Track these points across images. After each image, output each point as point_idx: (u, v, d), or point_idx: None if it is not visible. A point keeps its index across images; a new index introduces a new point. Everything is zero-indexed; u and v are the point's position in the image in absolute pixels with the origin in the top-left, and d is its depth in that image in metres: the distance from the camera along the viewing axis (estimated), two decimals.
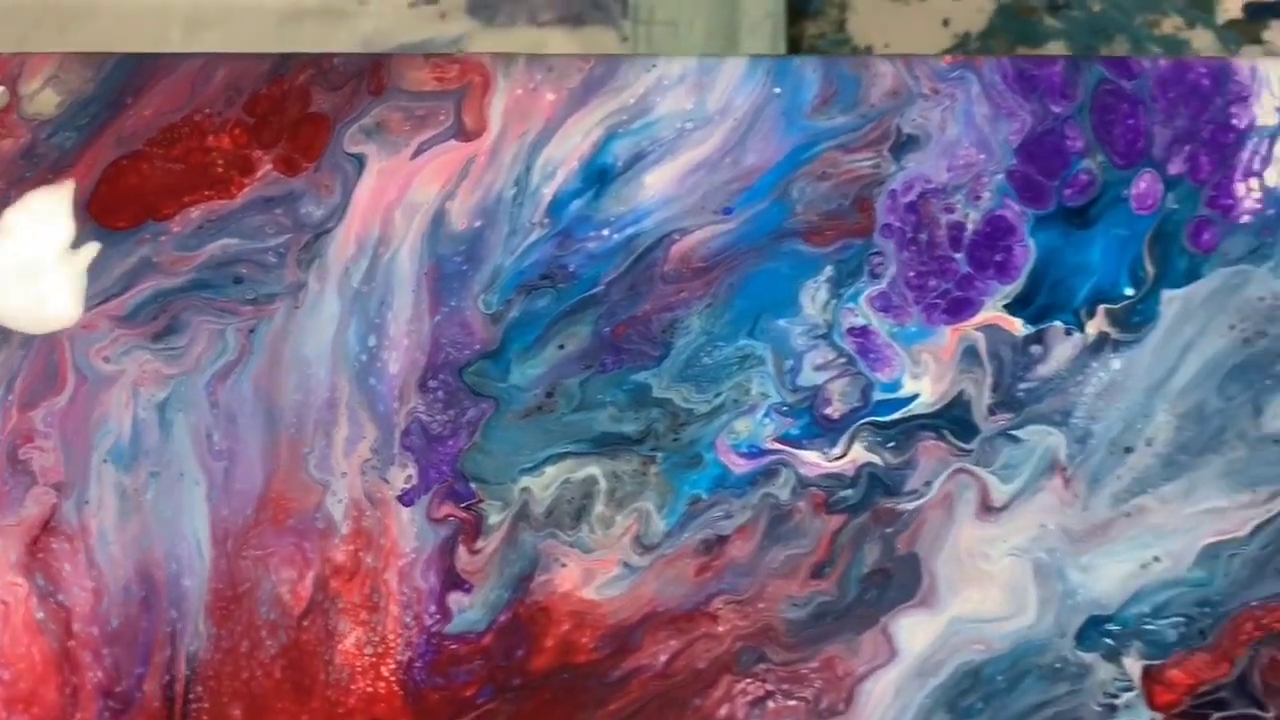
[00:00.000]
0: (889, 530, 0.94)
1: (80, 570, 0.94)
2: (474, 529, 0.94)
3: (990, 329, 0.94)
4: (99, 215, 0.94)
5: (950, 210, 0.94)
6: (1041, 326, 0.94)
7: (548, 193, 0.95)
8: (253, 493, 0.94)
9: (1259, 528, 0.94)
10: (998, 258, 0.94)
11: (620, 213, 0.95)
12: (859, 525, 0.94)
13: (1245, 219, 0.94)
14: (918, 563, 0.94)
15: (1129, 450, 0.94)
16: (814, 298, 0.94)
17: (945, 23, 1.21)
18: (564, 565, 0.95)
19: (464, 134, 0.95)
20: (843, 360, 0.94)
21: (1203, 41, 1.19)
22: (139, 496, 0.94)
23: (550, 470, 0.94)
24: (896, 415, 0.94)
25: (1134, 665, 0.94)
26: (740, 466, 0.94)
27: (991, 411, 0.94)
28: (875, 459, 0.94)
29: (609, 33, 1.19)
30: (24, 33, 1.17)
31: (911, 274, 0.94)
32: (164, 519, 0.94)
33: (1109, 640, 0.94)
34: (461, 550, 0.94)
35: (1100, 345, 0.94)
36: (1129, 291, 0.94)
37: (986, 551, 0.94)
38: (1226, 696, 0.94)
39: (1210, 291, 0.94)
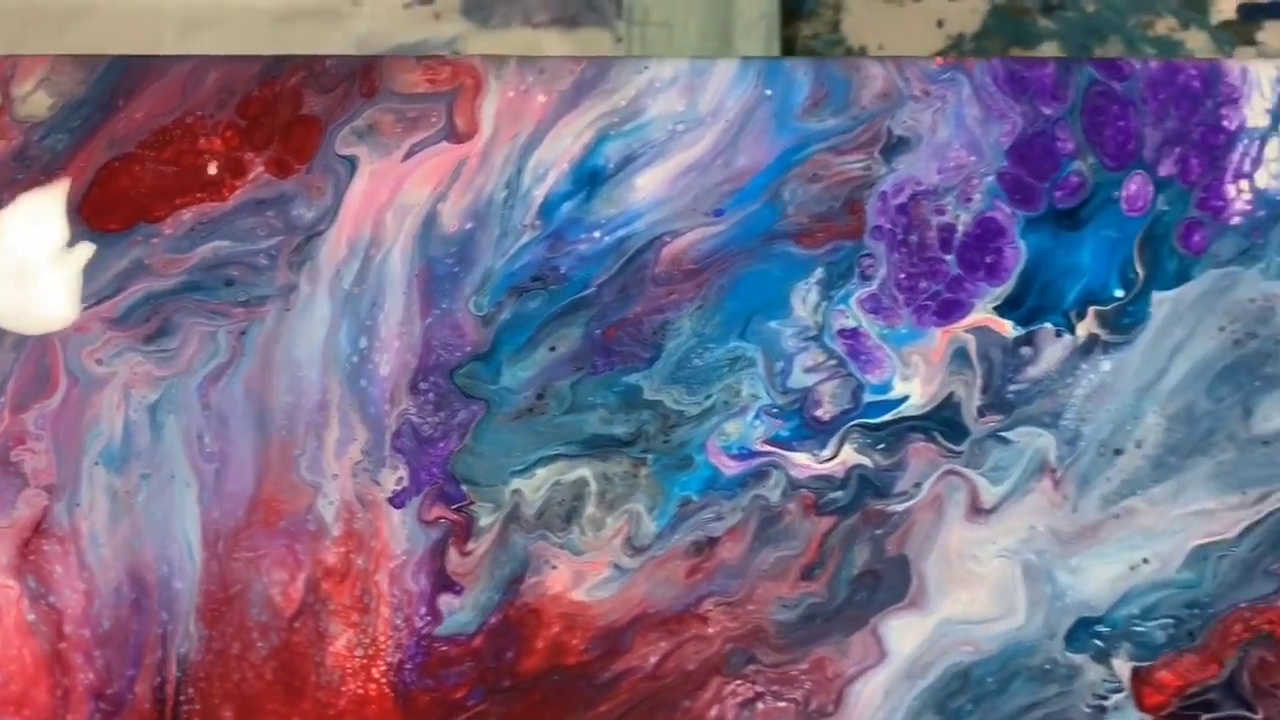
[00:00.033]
0: (879, 532, 0.95)
1: (71, 572, 0.95)
2: (465, 531, 0.94)
3: (980, 331, 0.94)
4: (91, 217, 0.95)
5: (941, 212, 0.95)
6: (1031, 328, 0.94)
7: (539, 195, 0.95)
8: (244, 495, 0.94)
9: (1248, 529, 0.94)
10: (988, 259, 0.94)
11: (611, 215, 0.95)
12: (849, 527, 0.95)
13: (1235, 221, 0.94)
14: (907, 564, 0.94)
15: (1118, 452, 0.94)
16: (805, 299, 0.94)
17: (939, 24, 1.21)
18: (554, 567, 0.95)
19: (455, 136, 0.95)
20: (833, 362, 0.94)
21: (1197, 42, 1.19)
22: (130, 498, 0.94)
23: (541, 472, 0.95)
24: (886, 417, 0.95)
25: (1123, 667, 0.94)
26: (731, 468, 0.95)
27: (981, 413, 0.94)
28: (865, 461, 0.94)
29: (604, 34, 1.19)
30: (18, 34, 1.18)
31: (902, 276, 0.94)
32: (155, 521, 0.94)
33: (1098, 642, 0.94)
34: (452, 552, 0.94)
35: (1090, 347, 0.94)
36: (1119, 293, 0.94)
37: (976, 553, 0.94)
38: (1215, 698, 0.94)
39: (1200, 293, 0.94)
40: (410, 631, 0.95)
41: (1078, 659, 0.94)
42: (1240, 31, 1.20)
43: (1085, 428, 0.94)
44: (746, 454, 0.95)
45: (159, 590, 0.95)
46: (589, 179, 0.95)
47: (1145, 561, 0.94)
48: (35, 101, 0.95)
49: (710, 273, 0.94)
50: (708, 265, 0.94)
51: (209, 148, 0.95)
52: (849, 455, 0.94)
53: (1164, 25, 1.20)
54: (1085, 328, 0.94)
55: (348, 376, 0.94)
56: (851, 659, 0.95)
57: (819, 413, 0.95)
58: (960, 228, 0.94)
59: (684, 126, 0.95)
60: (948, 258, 0.94)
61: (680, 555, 0.95)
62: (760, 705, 0.95)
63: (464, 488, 0.94)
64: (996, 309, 0.94)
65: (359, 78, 0.95)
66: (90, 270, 0.95)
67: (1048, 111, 0.95)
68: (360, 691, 0.95)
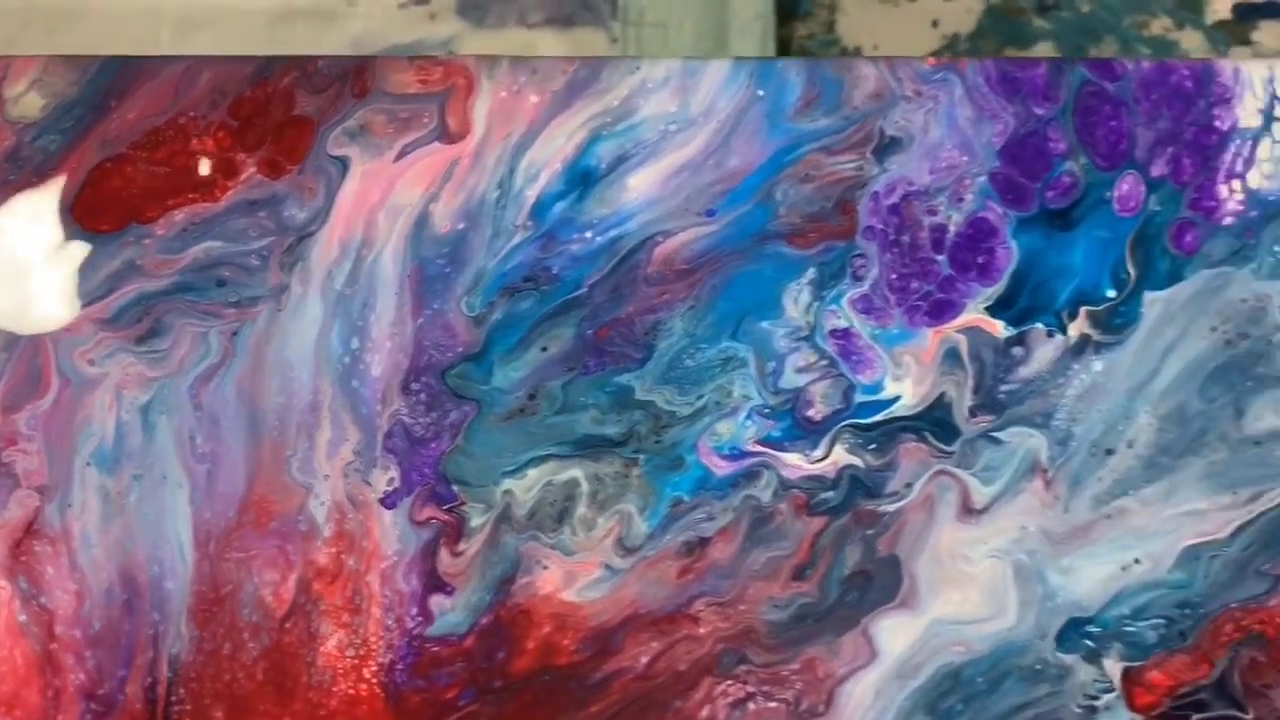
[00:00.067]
0: (870, 532, 0.94)
1: (63, 573, 0.95)
2: (456, 531, 0.94)
3: (972, 331, 0.94)
4: (83, 218, 0.95)
5: (933, 212, 0.94)
6: (1023, 328, 0.94)
7: (531, 195, 0.95)
8: (235, 495, 0.94)
9: (1239, 529, 0.94)
10: (980, 260, 0.94)
11: (603, 215, 0.95)
12: (840, 527, 0.94)
13: (1227, 221, 0.94)
14: (898, 564, 0.94)
15: (1110, 452, 0.94)
16: (796, 300, 0.94)
17: (934, 24, 1.21)
18: (545, 567, 0.95)
19: (448, 136, 0.95)
20: (824, 362, 0.94)
21: (1192, 42, 1.19)
22: (122, 499, 0.94)
23: (532, 473, 0.95)
24: (878, 417, 0.94)
25: (1114, 667, 0.94)
26: (722, 469, 0.95)
27: (973, 413, 0.94)
28: (856, 461, 0.94)
29: (599, 34, 1.19)
30: (13, 35, 1.18)
31: (893, 276, 0.94)
32: (147, 521, 0.94)
33: (1089, 642, 0.94)
34: (443, 553, 0.94)
35: (1082, 347, 0.94)
36: (1111, 293, 0.94)
37: (967, 553, 0.94)
38: (1206, 698, 0.94)
39: (1192, 293, 0.94)
40: (401, 632, 0.95)
41: (1069, 659, 0.94)
42: (1235, 31, 1.19)
43: (1077, 428, 0.94)
44: (738, 454, 0.95)
45: (150, 591, 0.95)
46: (581, 179, 0.95)
47: (1136, 562, 0.94)
48: (28, 102, 0.95)
49: (702, 273, 0.94)
50: (700, 265, 0.94)
51: (201, 148, 0.95)
52: (840, 455, 0.94)
53: (1159, 25, 1.19)
54: (1077, 328, 0.94)
55: (339, 377, 0.94)
56: (842, 659, 0.95)
57: (810, 413, 0.95)
58: (952, 228, 0.94)
59: (676, 127, 0.95)
60: (939, 258, 0.94)
61: (672, 555, 0.95)
62: (751, 705, 0.95)
63: (455, 488, 0.94)
64: (988, 309, 0.94)
65: (351, 78, 0.95)
66: (82, 271, 0.95)
67: (1040, 112, 0.95)
68: (351, 692, 0.95)
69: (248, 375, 0.94)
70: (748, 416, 0.94)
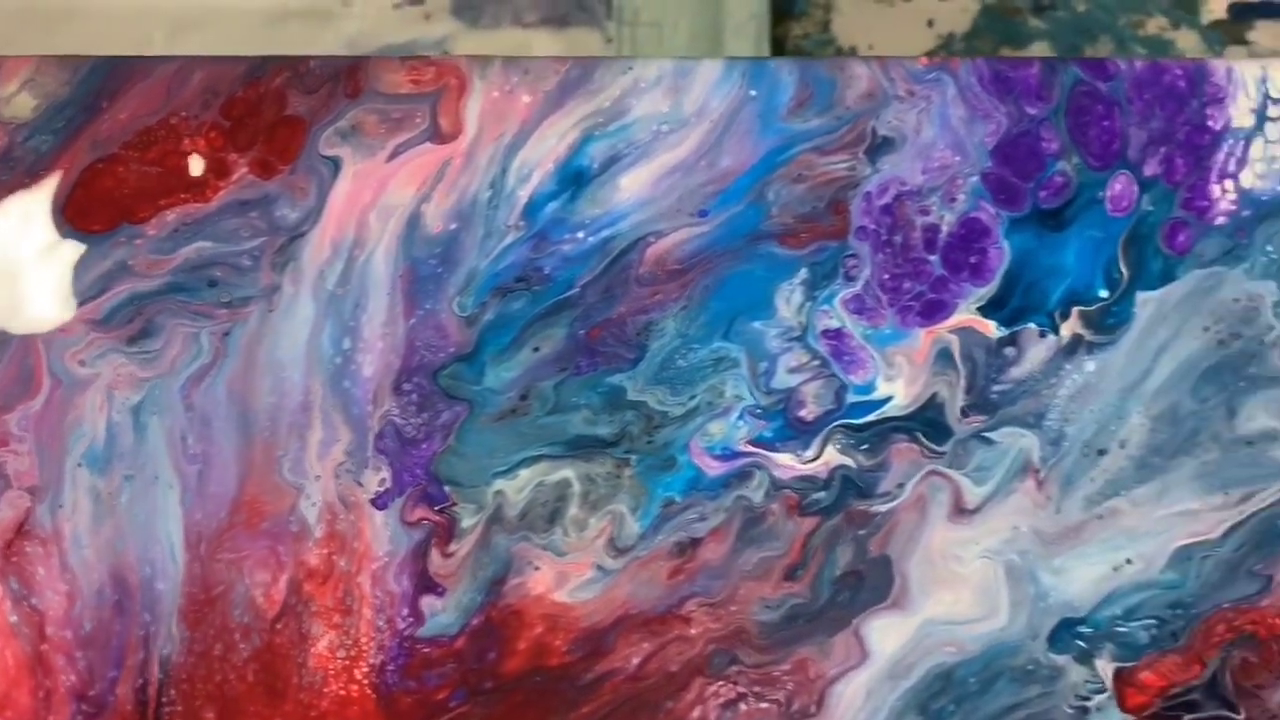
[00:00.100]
0: (861, 532, 0.94)
1: (54, 574, 0.95)
2: (447, 532, 0.94)
3: (964, 331, 0.94)
4: (75, 219, 0.95)
5: (925, 212, 0.94)
6: (1015, 329, 0.94)
7: (523, 195, 0.95)
8: (226, 496, 0.94)
9: (1231, 530, 0.94)
10: (972, 260, 0.94)
11: (596, 215, 0.95)
12: (832, 527, 0.94)
13: (1220, 221, 0.94)
14: (890, 565, 0.94)
15: (1102, 452, 0.94)
16: (789, 300, 0.94)
17: (930, 23, 1.21)
18: (537, 568, 0.95)
19: (440, 136, 0.95)
20: (816, 363, 0.94)
21: (1187, 42, 1.19)
22: (113, 500, 0.94)
23: (524, 473, 0.94)
24: (870, 418, 0.94)
25: (1106, 667, 0.94)
26: (714, 469, 0.94)
27: (964, 414, 0.94)
28: (848, 461, 0.94)
29: (594, 34, 1.19)
30: (7, 35, 1.18)
31: (886, 276, 0.94)
32: (138, 522, 0.94)
33: (1081, 642, 0.94)
34: (434, 553, 0.94)
35: (1074, 347, 0.94)
36: (1103, 293, 0.94)
37: (959, 554, 0.94)
38: (1198, 698, 0.94)
39: (1185, 293, 0.94)
40: (392, 633, 0.95)
41: (1060, 660, 0.94)
42: (1231, 31, 1.19)
43: (1069, 428, 0.94)
44: (730, 455, 0.94)
45: (141, 592, 0.95)
46: (573, 179, 0.94)
47: (1128, 562, 0.94)
48: (19, 103, 0.95)
49: (694, 273, 0.94)
50: (692, 266, 0.94)
51: (193, 148, 0.95)
52: (832, 456, 0.94)
53: (1154, 25, 1.19)
54: (1069, 328, 0.94)
55: (331, 377, 0.94)
56: (834, 660, 0.95)
57: (802, 413, 0.94)
58: (944, 228, 0.94)
59: (668, 127, 0.95)
60: (932, 258, 0.94)
61: (663, 556, 0.95)
62: (742, 706, 0.95)
63: (447, 489, 0.94)
64: (980, 309, 0.94)
65: (343, 78, 0.95)
66: (74, 271, 0.94)
67: (1032, 111, 0.95)
68: (342, 693, 0.95)
69: (239, 376, 0.94)
70: (740, 417, 0.94)
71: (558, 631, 0.95)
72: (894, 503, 0.94)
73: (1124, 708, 0.94)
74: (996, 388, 0.94)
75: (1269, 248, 0.94)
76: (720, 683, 0.95)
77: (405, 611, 0.94)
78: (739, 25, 1.18)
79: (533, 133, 0.95)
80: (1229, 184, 0.94)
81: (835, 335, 0.94)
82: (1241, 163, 0.94)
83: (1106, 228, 0.94)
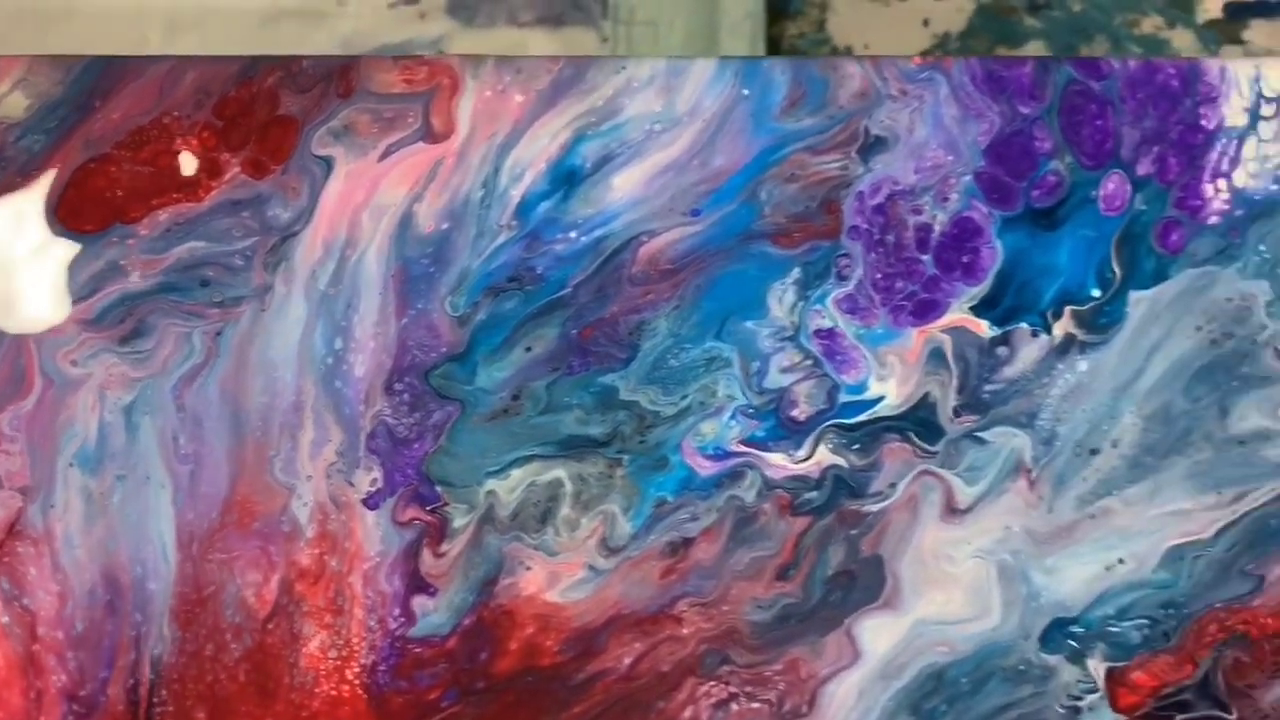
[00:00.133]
0: (854, 532, 0.94)
1: (45, 574, 0.95)
2: (439, 532, 0.94)
3: (956, 331, 0.94)
4: (67, 219, 0.94)
5: (918, 212, 0.94)
6: (1008, 328, 0.94)
7: (515, 195, 0.95)
8: (218, 496, 0.94)
9: (1223, 529, 0.94)
10: (965, 259, 0.94)
11: (588, 215, 0.94)
12: (824, 527, 0.94)
13: (1213, 220, 0.94)
14: (882, 565, 0.94)
15: (1094, 452, 0.94)
16: (781, 300, 0.94)
17: (925, 23, 1.21)
18: (529, 568, 0.95)
19: (432, 136, 0.95)
20: (809, 362, 0.94)
21: (1183, 41, 1.19)
22: (105, 500, 0.94)
23: (516, 473, 0.94)
24: (862, 417, 0.94)
25: (1098, 667, 0.94)
26: (706, 469, 0.94)
27: (957, 413, 0.94)
28: (840, 461, 0.94)
29: (589, 33, 1.19)
30: (4, 34, 1.18)
31: (878, 276, 0.94)
32: (129, 522, 0.94)
33: (1073, 642, 0.94)
34: (426, 553, 0.94)
35: (1066, 347, 0.94)
36: (1096, 293, 0.94)
37: (951, 553, 0.94)
38: (1190, 698, 0.94)
39: (1177, 293, 0.94)
40: (384, 633, 0.94)
41: (1052, 660, 0.94)
42: (1226, 30, 1.19)
43: (1061, 428, 0.94)
44: (722, 454, 0.94)
45: (133, 592, 0.95)
46: (566, 179, 0.94)
47: (1120, 562, 0.94)
48: (11, 102, 0.95)
49: (687, 273, 0.94)
50: (684, 265, 0.94)
51: (185, 148, 0.95)
52: (824, 455, 0.94)
53: (1150, 24, 1.19)
54: (1062, 327, 0.94)
55: (322, 377, 0.94)
56: (826, 660, 0.94)
57: (795, 413, 0.94)
58: (937, 227, 0.94)
59: (661, 126, 0.95)
60: (924, 258, 0.94)
61: (655, 556, 0.95)
62: (734, 706, 0.95)
63: (438, 489, 0.94)
64: (973, 309, 0.94)
65: (336, 78, 0.95)
66: (66, 271, 0.94)
67: (1025, 111, 0.94)
68: (334, 693, 0.95)
69: (231, 376, 0.94)
70: (732, 417, 0.94)
71: (549, 631, 0.95)
72: (886, 502, 0.94)
73: (1116, 708, 0.94)
74: (989, 387, 0.94)
75: (1262, 247, 0.94)
76: (712, 683, 0.95)
77: (397, 611, 0.94)
78: (734, 24, 1.18)
79: (525, 132, 0.95)
80: (1222, 183, 0.94)
81: (827, 335, 0.94)
82: (1235, 162, 0.94)
83: (1099, 227, 0.94)
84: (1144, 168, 0.94)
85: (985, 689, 0.94)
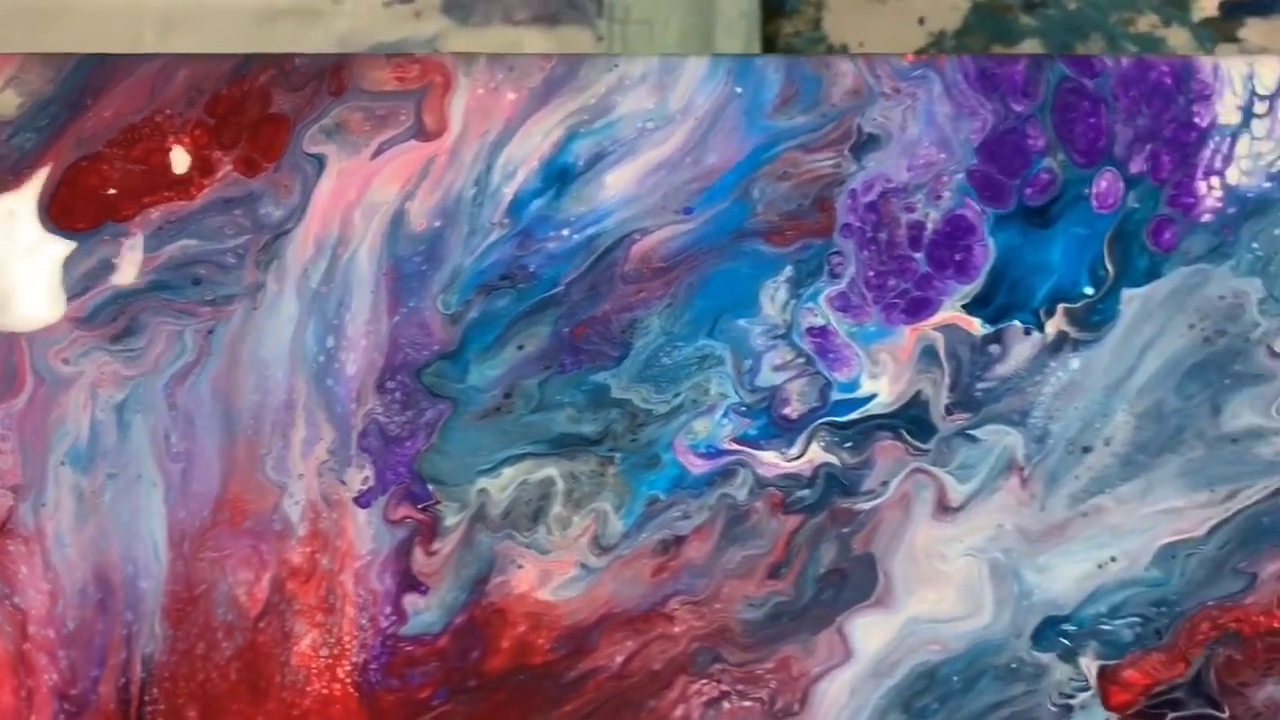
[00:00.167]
0: (846, 530, 0.94)
1: (36, 572, 0.94)
2: (430, 531, 0.94)
3: (949, 329, 0.94)
4: (59, 217, 0.94)
5: (910, 210, 0.94)
6: (1000, 326, 0.94)
7: (508, 192, 0.94)
8: (210, 494, 0.94)
9: (1216, 527, 0.94)
10: (957, 257, 0.94)
11: (581, 212, 0.94)
12: (816, 525, 0.94)
13: (1206, 218, 0.94)
14: (874, 563, 0.94)
15: (1087, 450, 0.94)
16: (773, 298, 0.94)
17: (921, 21, 1.21)
18: (520, 566, 0.94)
19: (424, 134, 0.95)
20: (801, 360, 0.94)
21: (1178, 40, 1.19)
22: (96, 498, 0.94)
23: (508, 471, 0.94)
24: (854, 415, 0.94)
25: (1090, 665, 0.94)
26: (698, 467, 0.94)
27: (949, 411, 0.94)
28: (832, 459, 0.94)
29: (584, 32, 1.19)
30: None
31: (871, 274, 0.94)
32: (121, 521, 0.94)
33: (1065, 640, 0.94)
34: (418, 552, 0.94)
35: (1059, 345, 0.94)
36: (1088, 291, 0.94)
37: (943, 551, 0.94)
38: (1182, 697, 0.94)
39: (1170, 290, 0.94)
40: (375, 631, 0.94)
41: (1044, 658, 0.94)
42: (1222, 28, 1.19)
43: (1054, 426, 0.94)
44: (714, 452, 0.94)
45: (124, 590, 0.94)
46: (558, 177, 0.94)
47: (1113, 560, 0.94)
48: (3, 100, 0.95)
49: (679, 271, 0.94)
50: (677, 263, 0.94)
51: (178, 145, 0.95)
52: (816, 453, 0.94)
53: (1145, 22, 1.19)
54: (1054, 325, 0.94)
55: (314, 376, 0.94)
56: (817, 658, 0.94)
57: (787, 411, 0.94)
58: (930, 225, 0.94)
59: (654, 124, 0.94)
60: (917, 255, 0.94)
61: (647, 554, 0.94)
62: (726, 704, 0.95)
63: (430, 487, 0.94)
64: (965, 307, 0.94)
65: (328, 76, 0.95)
66: (59, 269, 0.94)
67: (1018, 108, 0.94)
68: (325, 691, 0.95)
69: (223, 374, 0.94)
70: (724, 415, 0.94)
71: (541, 630, 0.95)
72: (878, 500, 0.94)
73: (1108, 706, 0.94)
74: (981, 385, 0.94)
75: (1255, 245, 0.94)
76: (704, 681, 0.95)
77: (388, 610, 0.94)
78: (730, 23, 1.18)
79: (518, 130, 0.94)
80: (1215, 181, 0.94)
81: (820, 333, 0.94)
82: (1228, 160, 0.94)
83: (1092, 225, 0.94)
84: (1137, 165, 0.94)
85: (977, 687, 0.94)
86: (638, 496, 0.94)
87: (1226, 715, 0.94)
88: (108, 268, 0.94)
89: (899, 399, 0.94)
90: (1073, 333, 0.94)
